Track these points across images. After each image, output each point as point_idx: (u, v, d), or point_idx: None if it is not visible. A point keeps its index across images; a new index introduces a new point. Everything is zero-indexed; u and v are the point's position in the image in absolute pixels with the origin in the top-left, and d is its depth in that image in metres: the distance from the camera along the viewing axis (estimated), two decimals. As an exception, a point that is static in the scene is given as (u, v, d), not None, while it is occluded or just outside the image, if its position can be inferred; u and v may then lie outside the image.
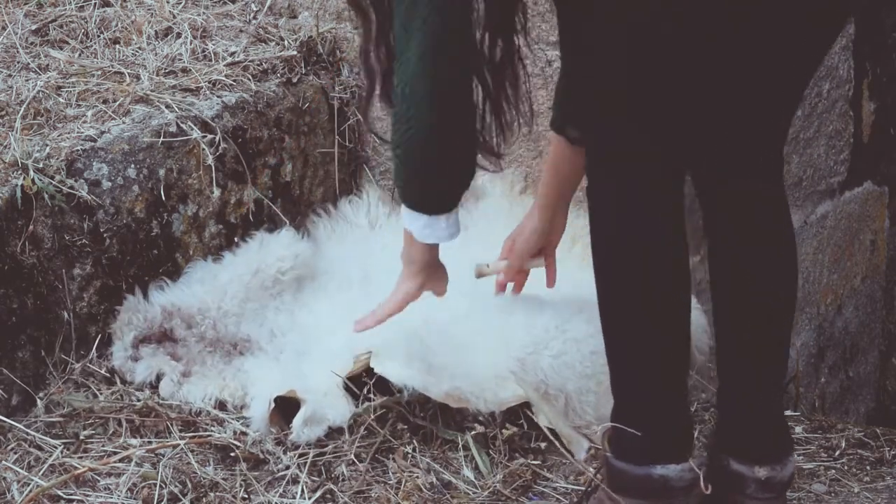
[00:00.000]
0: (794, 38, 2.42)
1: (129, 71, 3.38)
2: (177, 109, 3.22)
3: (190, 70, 3.40)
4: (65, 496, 2.64)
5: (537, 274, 3.18)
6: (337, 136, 3.60)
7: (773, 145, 2.56)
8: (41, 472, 2.69)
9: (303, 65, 3.54)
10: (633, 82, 2.40)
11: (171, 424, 2.88)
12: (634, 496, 2.52)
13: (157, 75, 3.36)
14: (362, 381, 2.93)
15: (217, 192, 3.25)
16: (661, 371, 2.51)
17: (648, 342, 2.49)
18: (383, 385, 2.93)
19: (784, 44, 2.42)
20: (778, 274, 2.57)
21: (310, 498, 2.71)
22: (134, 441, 2.82)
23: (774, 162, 2.57)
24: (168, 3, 3.66)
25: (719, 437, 2.62)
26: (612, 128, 2.44)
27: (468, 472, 2.84)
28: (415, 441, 2.89)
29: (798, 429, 3.20)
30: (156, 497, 2.64)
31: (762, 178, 2.55)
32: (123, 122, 3.16)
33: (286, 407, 2.89)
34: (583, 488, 2.74)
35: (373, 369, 2.92)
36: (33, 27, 3.60)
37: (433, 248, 2.75)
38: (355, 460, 2.82)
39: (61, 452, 2.75)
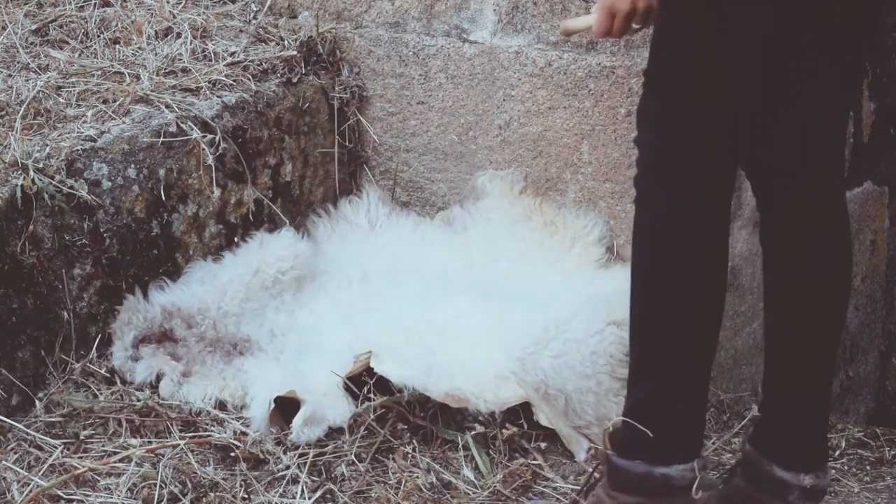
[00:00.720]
0: (839, 37, 2.44)
1: (129, 71, 3.37)
2: (177, 109, 3.22)
3: (190, 70, 3.40)
4: (65, 496, 2.64)
5: (538, 274, 3.18)
6: (337, 136, 3.60)
7: (833, 148, 2.56)
8: (41, 472, 2.68)
9: (303, 65, 3.54)
10: (695, 82, 2.41)
11: (171, 424, 2.88)
12: (635, 494, 2.52)
13: (157, 75, 3.36)
14: (362, 381, 2.93)
15: (217, 192, 3.25)
16: (686, 372, 2.50)
17: (679, 340, 2.48)
18: (383, 385, 2.93)
19: (832, 43, 2.43)
20: (832, 281, 2.56)
21: (310, 498, 2.71)
22: (134, 441, 2.82)
23: (834, 165, 2.57)
24: (168, 3, 3.66)
25: (762, 442, 2.60)
26: (676, 124, 2.44)
27: (468, 472, 2.84)
28: (415, 441, 2.89)
29: (798, 429, 3.20)
30: (156, 497, 2.64)
31: (821, 182, 2.54)
32: (123, 122, 3.16)
33: (286, 407, 2.89)
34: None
35: (373, 369, 2.92)
36: (33, 27, 3.60)
37: None
38: (355, 460, 2.82)
39: (61, 452, 2.75)
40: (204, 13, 3.66)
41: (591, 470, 2.73)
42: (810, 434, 2.60)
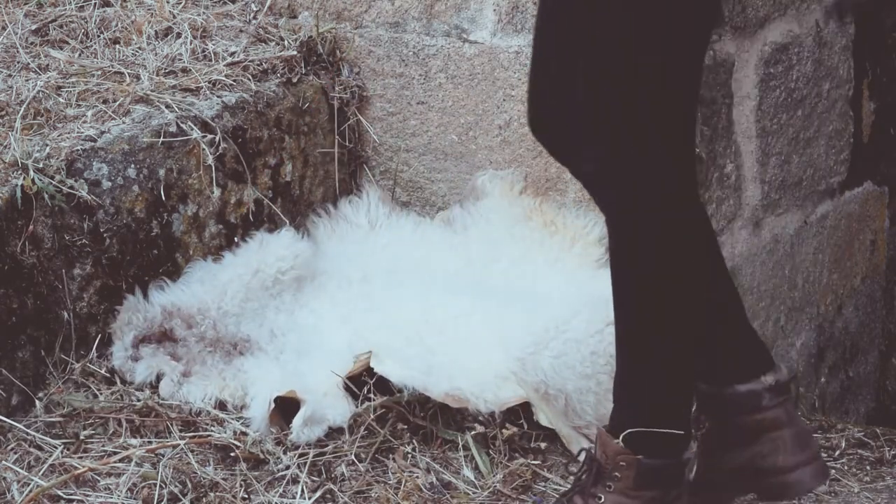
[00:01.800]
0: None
1: (129, 71, 3.37)
2: (177, 109, 3.22)
3: (190, 70, 3.40)
4: (65, 496, 2.64)
5: (538, 274, 3.18)
6: (337, 136, 3.60)
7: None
8: (41, 472, 2.69)
9: (303, 65, 3.54)
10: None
11: (171, 424, 2.88)
12: (656, 488, 2.52)
13: (157, 75, 3.36)
14: (362, 381, 2.93)
15: (217, 192, 3.25)
16: (686, 364, 2.53)
17: (684, 339, 2.51)
18: (383, 385, 2.93)
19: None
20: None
21: (310, 498, 2.71)
22: (134, 441, 2.82)
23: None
24: (168, 3, 3.66)
25: (713, 376, 2.61)
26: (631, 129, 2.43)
27: (468, 472, 2.84)
28: (415, 441, 2.89)
29: (798, 429, 3.20)
30: (156, 497, 2.64)
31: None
32: (123, 122, 3.16)
33: (286, 407, 2.89)
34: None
35: (373, 369, 2.92)
36: (33, 27, 3.60)
37: None
38: (355, 460, 2.82)
39: (61, 452, 2.75)
40: (204, 13, 3.66)
41: (578, 472, 2.69)
42: (749, 341, 2.63)
